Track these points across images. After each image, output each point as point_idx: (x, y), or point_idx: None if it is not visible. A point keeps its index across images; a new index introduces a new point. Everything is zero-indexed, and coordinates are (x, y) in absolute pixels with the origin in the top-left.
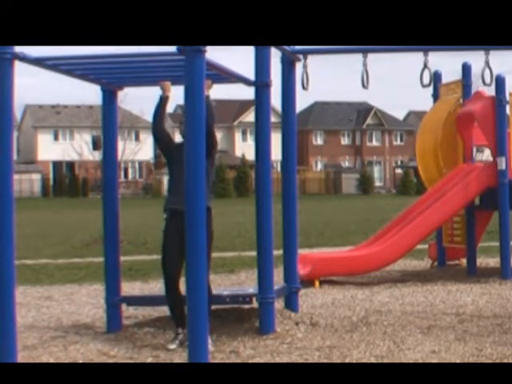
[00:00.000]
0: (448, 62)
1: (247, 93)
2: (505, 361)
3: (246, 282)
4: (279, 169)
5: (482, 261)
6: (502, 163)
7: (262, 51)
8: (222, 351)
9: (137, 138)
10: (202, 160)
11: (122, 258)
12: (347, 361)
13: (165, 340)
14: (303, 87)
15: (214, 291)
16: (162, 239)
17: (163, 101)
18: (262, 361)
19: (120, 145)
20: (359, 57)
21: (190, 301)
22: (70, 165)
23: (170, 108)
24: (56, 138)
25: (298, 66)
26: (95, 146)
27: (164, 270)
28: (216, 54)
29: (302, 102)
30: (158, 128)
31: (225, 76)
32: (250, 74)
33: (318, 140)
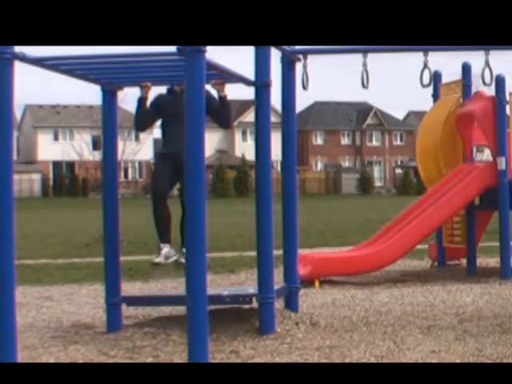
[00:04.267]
0: (448, 62)
1: (247, 93)
2: (505, 361)
3: (245, 282)
4: (279, 169)
5: (482, 261)
6: (501, 163)
7: (262, 51)
8: (221, 351)
9: (137, 138)
10: (202, 161)
11: (122, 258)
12: (347, 361)
13: (165, 341)
14: (303, 87)
15: (214, 291)
16: (154, 169)
17: (141, 102)
18: (261, 361)
19: (120, 145)
20: (359, 57)
21: (189, 301)
22: (70, 165)
23: None
24: (56, 137)
25: (298, 66)
26: (95, 146)
27: (153, 188)
28: (216, 54)
29: (302, 101)
30: (143, 130)
31: (225, 76)
32: (250, 74)
33: (318, 140)
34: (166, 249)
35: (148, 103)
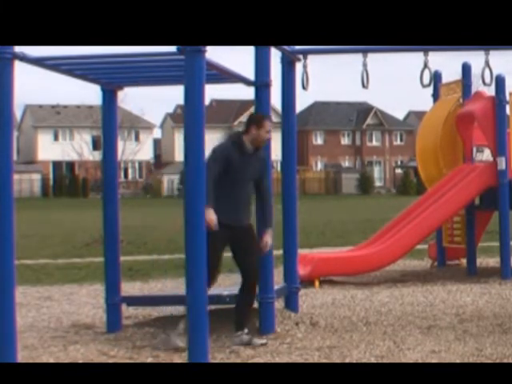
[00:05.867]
0: (448, 62)
1: (247, 93)
2: (505, 361)
3: None
4: (279, 169)
5: (482, 261)
6: (501, 163)
7: (262, 51)
8: (221, 351)
9: (137, 138)
10: (203, 161)
11: (122, 258)
12: (347, 361)
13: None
14: (303, 87)
15: (215, 291)
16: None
17: None
18: (262, 361)
19: (120, 145)
20: (359, 57)
21: (189, 301)
22: (70, 165)
23: (169, 108)
24: (56, 138)
25: (298, 66)
26: (95, 146)
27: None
28: (216, 54)
29: (301, 101)
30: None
31: (225, 76)
32: (250, 74)
33: (318, 140)
34: (245, 336)
35: (214, 155)
